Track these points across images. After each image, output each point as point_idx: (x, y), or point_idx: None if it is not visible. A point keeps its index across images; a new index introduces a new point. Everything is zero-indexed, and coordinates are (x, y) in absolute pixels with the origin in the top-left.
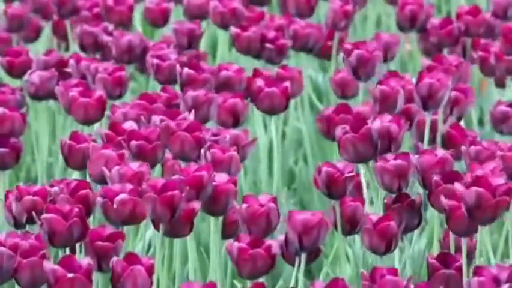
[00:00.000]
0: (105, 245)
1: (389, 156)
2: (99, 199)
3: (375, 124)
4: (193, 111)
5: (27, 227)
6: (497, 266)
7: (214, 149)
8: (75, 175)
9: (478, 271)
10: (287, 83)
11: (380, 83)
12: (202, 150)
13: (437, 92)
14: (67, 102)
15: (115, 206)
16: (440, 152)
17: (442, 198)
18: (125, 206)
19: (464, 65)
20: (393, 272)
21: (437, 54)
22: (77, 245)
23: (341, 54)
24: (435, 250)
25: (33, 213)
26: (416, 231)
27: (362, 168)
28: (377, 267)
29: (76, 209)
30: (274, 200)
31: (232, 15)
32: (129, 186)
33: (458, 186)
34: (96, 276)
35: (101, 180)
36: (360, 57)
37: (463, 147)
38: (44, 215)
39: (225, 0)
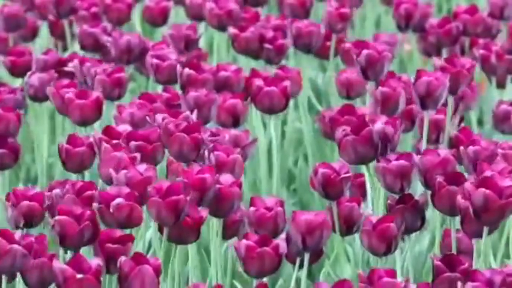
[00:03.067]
0: (115, 248)
1: (391, 156)
2: (95, 204)
3: (377, 126)
4: (195, 111)
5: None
6: (491, 270)
7: (219, 151)
8: (75, 175)
9: (472, 275)
10: (287, 82)
11: (381, 84)
12: (205, 152)
13: (435, 90)
14: (62, 103)
15: (111, 210)
16: (443, 152)
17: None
18: (122, 210)
19: (475, 65)
20: (391, 273)
21: (436, 54)
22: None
23: (340, 55)
24: (437, 251)
25: (46, 214)
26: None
27: (366, 170)
28: (375, 269)
29: (88, 212)
30: (282, 203)
31: (229, 16)
32: (126, 189)
33: (468, 186)
34: (104, 277)
35: (111, 181)
36: (370, 57)
37: (461, 148)
38: (57, 217)
39: (221, 2)
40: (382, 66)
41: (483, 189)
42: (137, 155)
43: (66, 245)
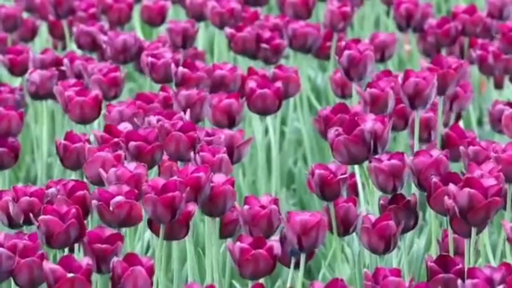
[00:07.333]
0: (104, 247)
1: (383, 156)
2: (94, 201)
3: (368, 125)
4: (188, 110)
5: (25, 228)
6: (490, 267)
7: (204, 151)
8: (74, 175)
9: (471, 273)
10: (279, 84)
11: (370, 84)
12: (191, 153)
13: (423, 90)
14: (64, 101)
15: (111, 208)
16: (435, 153)
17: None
18: (122, 208)
19: (462, 65)
20: (396, 273)
21: (436, 54)
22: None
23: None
24: (434, 251)
25: (31, 215)
26: (415, 232)
27: (357, 170)
28: (379, 268)
29: (74, 210)
30: (276, 201)
31: (231, 15)
32: (125, 188)
33: (452, 188)
34: (95, 276)
35: (99, 181)
36: (352, 58)
37: (461, 148)
38: (42, 216)
39: (223, 1)
40: (365, 66)
41: (467, 189)
42: (122, 153)
43: (52, 244)
